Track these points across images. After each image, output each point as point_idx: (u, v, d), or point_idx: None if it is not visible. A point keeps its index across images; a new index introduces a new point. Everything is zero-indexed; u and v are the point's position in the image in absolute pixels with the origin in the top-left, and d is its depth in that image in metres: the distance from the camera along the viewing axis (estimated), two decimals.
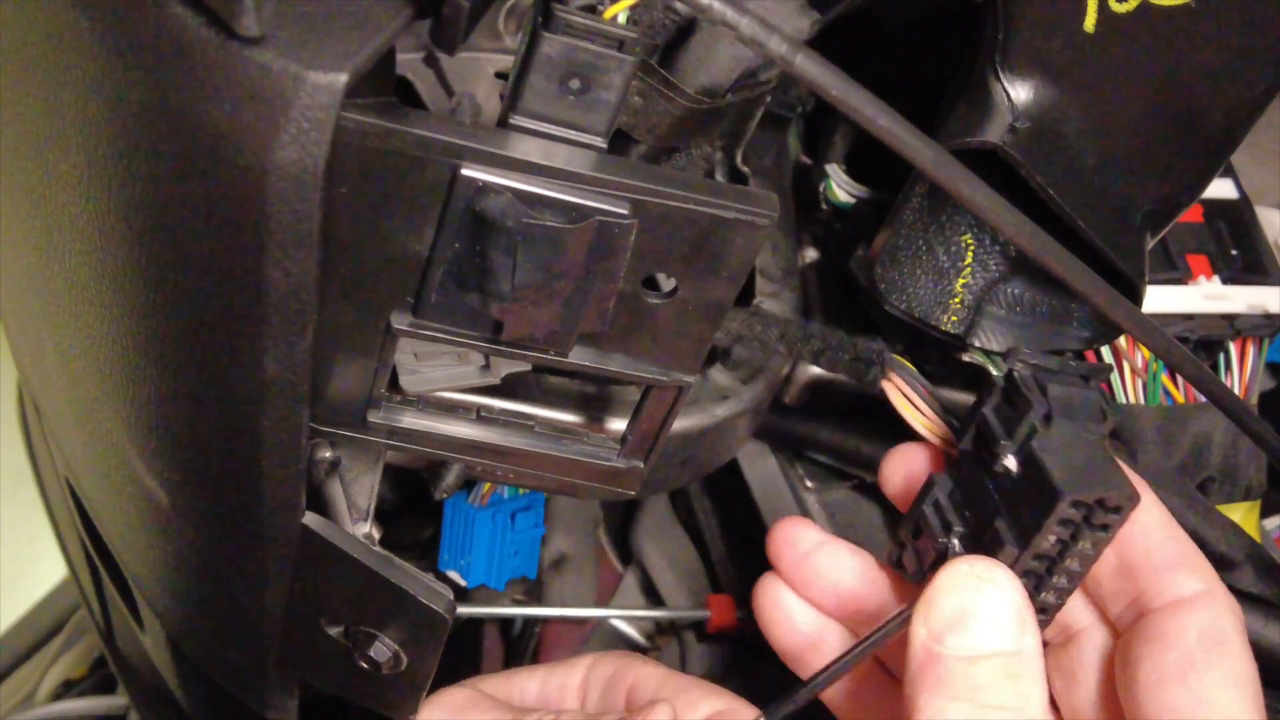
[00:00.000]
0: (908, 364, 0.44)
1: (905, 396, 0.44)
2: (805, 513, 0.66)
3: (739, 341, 0.47)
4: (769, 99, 0.47)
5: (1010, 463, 0.39)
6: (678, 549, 0.81)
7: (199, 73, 0.28)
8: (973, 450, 0.41)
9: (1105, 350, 0.57)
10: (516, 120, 0.33)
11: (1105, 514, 0.38)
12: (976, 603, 0.38)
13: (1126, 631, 0.41)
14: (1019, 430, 0.39)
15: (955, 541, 0.41)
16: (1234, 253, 0.61)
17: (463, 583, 0.62)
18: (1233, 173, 0.63)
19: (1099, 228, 0.46)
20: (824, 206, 0.60)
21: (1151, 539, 0.41)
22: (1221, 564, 0.53)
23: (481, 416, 0.42)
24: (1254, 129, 0.48)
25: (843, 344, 0.46)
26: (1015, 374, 0.40)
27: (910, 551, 0.43)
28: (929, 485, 0.42)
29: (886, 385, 0.44)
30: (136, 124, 0.30)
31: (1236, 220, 0.62)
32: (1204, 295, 0.59)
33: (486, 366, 0.42)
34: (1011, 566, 0.39)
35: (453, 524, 0.62)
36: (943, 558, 0.41)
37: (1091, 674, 0.43)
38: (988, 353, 0.54)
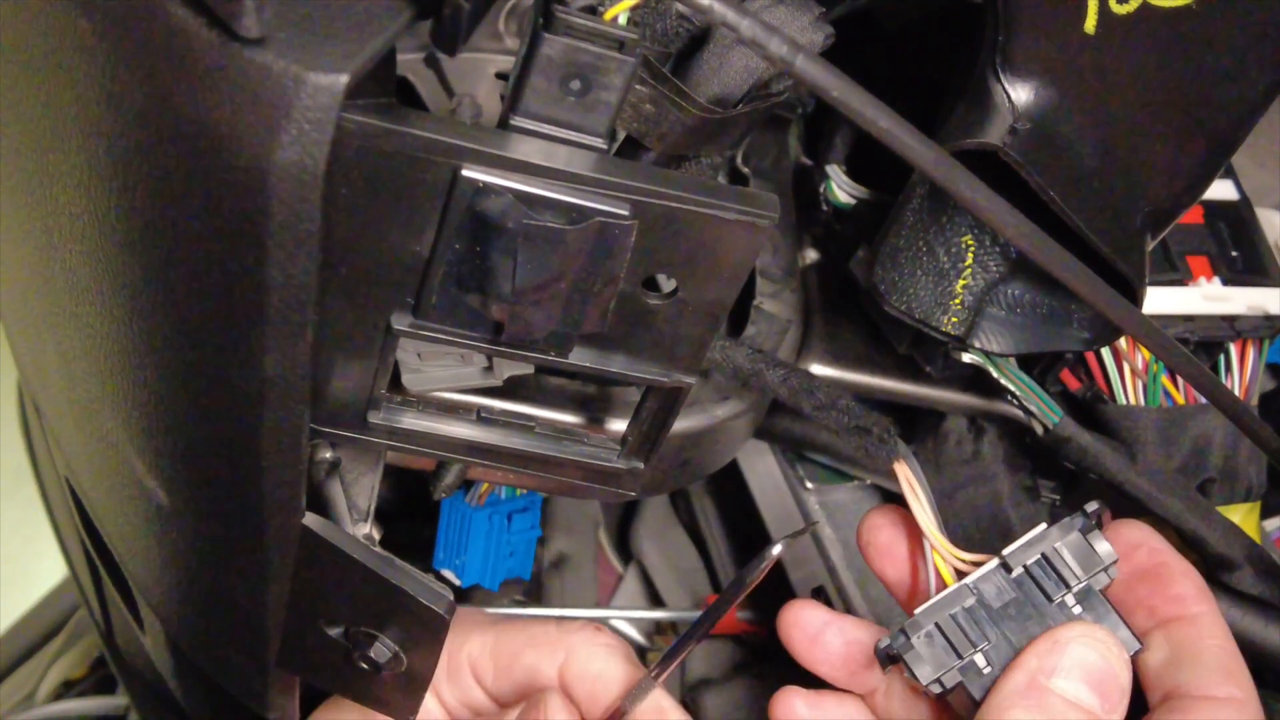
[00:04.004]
0: (911, 454, 0.46)
1: (914, 490, 0.45)
2: (805, 513, 0.66)
3: (739, 375, 0.47)
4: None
5: (1071, 601, 0.43)
6: (678, 549, 0.81)
7: (200, 74, 0.28)
8: (1026, 575, 0.44)
9: (1106, 351, 0.57)
10: (517, 121, 0.33)
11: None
12: (1102, 665, 0.41)
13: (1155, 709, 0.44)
14: (1092, 577, 0.43)
15: (980, 657, 0.43)
16: (1234, 254, 0.61)
17: (457, 582, 0.62)
18: (1233, 174, 0.63)
19: (1099, 229, 0.46)
20: (824, 207, 0.60)
21: (1204, 643, 0.44)
22: (1221, 565, 0.53)
23: (482, 417, 0.42)
24: (1255, 130, 0.48)
25: (848, 409, 0.46)
26: (1098, 527, 0.44)
27: (916, 652, 0.44)
28: (954, 595, 0.44)
29: (899, 468, 0.45)
30: (137, 125, 0.30)
31: (1237, 221, 0.62)
32: (1204, 296, 0.59)
33: (489, 368, 0.42)
34: None
35: (449, 523, 0.62)
36: (969, 667, 0.43)
37: None
38: (988, 354, 0.54)
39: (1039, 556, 0.43)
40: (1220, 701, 0.42)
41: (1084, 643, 0.42)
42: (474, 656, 0.50)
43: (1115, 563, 0.43)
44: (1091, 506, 0.44)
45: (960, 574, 0.45)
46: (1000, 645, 0.43)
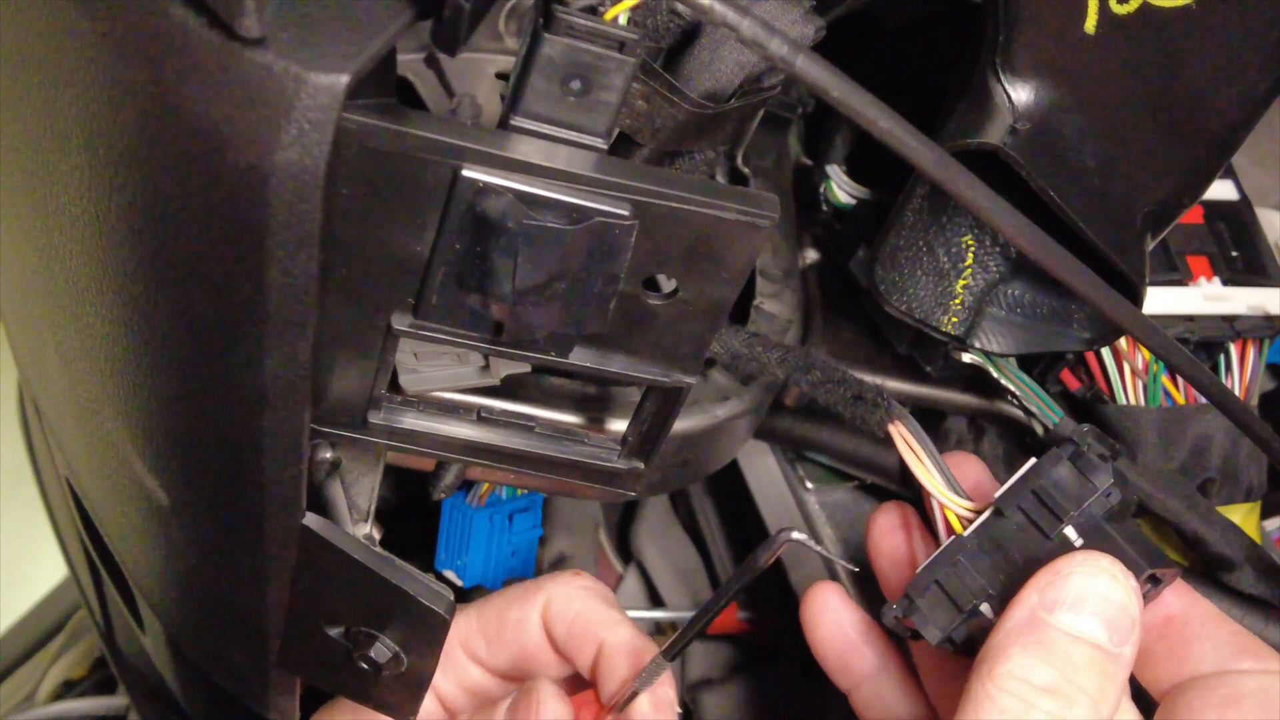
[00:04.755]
0: (909, 415, 0.45)
1: (910, 448, 0.45)
2: (805, 514, 0.66)
3: (737, 359, 0.47)
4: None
5: (1072, 533, 0.41)
6: (678, 549, 0.81)
7: (200, 74, 0.28)
8: (1021, 514, 0.42)
9: (1106, 351, 0.57)
10: (517, 121, 0.33)
11: (1152, 587, 0.41)
12: (1108, 595, 0.39)
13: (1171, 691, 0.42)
14: (1088, 505, 0.41)
15: (985, 606, 0.42)
16: (1234, 254, 0.61)
17: (459, 582, 0.62)
18: (1233, 174, 0.63)
19: (1099, 229, 0.46)
20: (824, 207, 0.60)
21: (1220, 633, 0.42)
22: (1221, 565, 0.53)
23: (482, 418, 0.42)
24: (1254, 130, 0.48)
25: (845, 380, 0.46)
26: (1088, 453, 0.42)
27: (922, 613, 0.43)
28: (951, 548, 0.43)
29: (893, 430, 0.45)
30: (138, 125, 0.30)
31: (1237, 222, 0.62)
32: (1204, 297, 0.59)
33: (486, 367, 0.42)
34: None
35: (450, 524, 0.62)
36: (975, 618, 0.42)
37: None
38: (988, 354, 0.54)
39: (1030, 494, 0.42)
40: (1253, 672, 0.40)
41: (1086, 572, 0.39)
42: (463, 637, 0.50)
43: (1114, 484, 0.41)
44: (1083, 428, 0.42)
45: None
46: (1004, 591, 0.42)
